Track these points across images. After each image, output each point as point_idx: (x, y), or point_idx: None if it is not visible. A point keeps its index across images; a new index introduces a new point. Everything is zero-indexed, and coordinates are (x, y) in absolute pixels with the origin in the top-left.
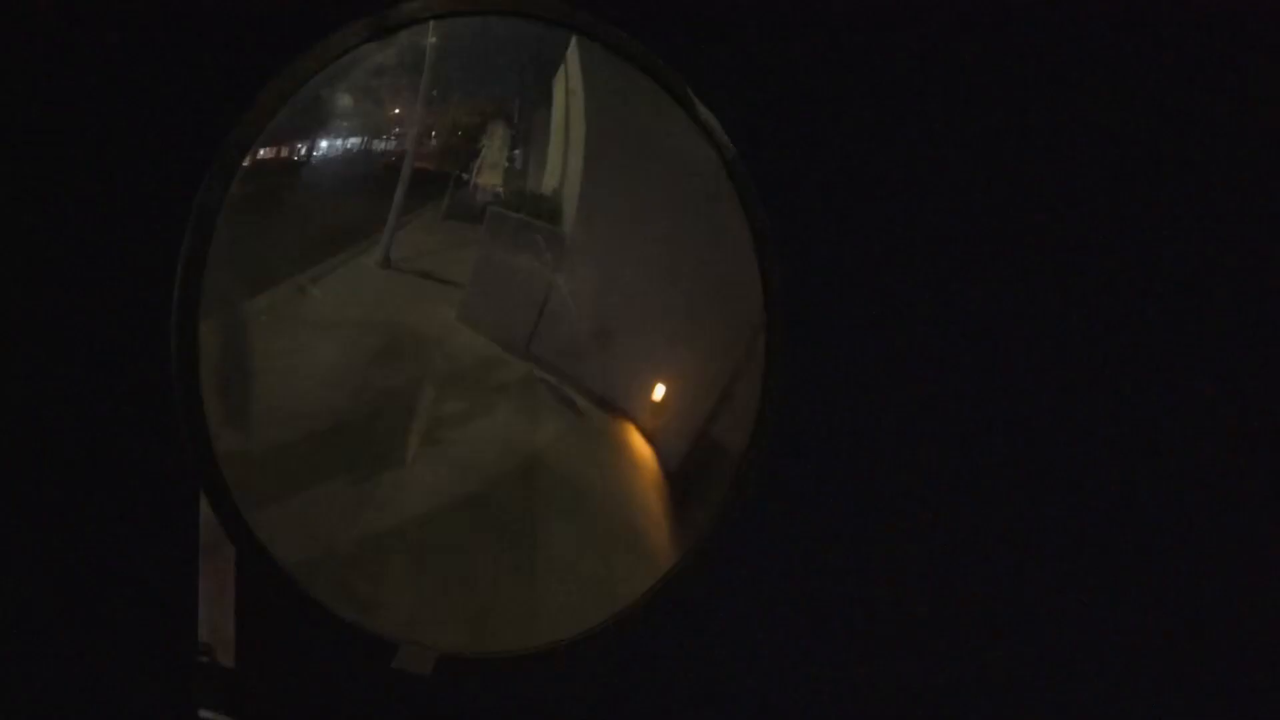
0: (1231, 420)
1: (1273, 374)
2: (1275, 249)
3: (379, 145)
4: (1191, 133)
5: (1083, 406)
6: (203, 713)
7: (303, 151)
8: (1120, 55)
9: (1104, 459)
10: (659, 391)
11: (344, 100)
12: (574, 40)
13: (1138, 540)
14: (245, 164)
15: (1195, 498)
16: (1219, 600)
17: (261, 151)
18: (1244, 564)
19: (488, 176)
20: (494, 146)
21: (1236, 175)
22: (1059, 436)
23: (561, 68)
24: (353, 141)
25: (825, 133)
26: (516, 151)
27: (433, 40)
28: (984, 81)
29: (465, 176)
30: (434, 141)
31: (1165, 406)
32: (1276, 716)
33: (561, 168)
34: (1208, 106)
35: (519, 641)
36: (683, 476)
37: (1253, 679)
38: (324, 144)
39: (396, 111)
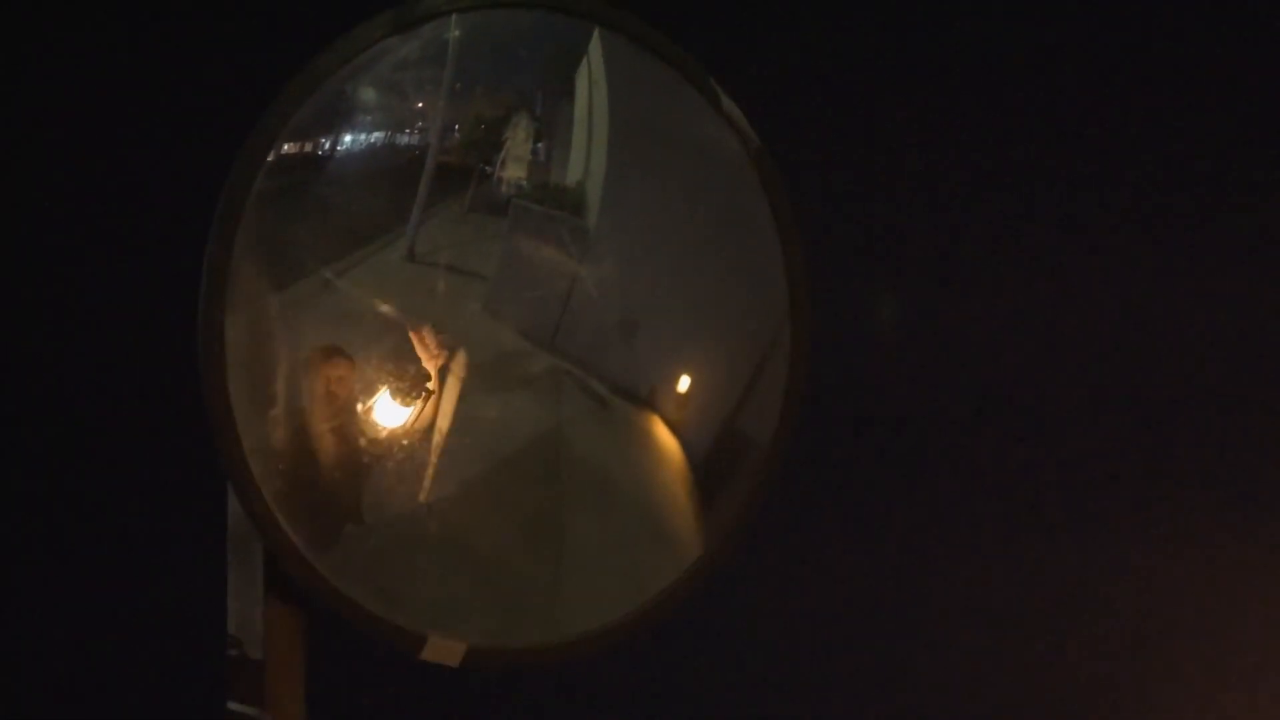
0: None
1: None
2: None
3: (402, 139)
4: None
5: (1124, 399)
6: (231, 705)
7: (327, 146)
8: (1144, 47)
9: (1144, 458)
10: (684, 383)
11: (367, 94)
12: (597, 32)
13: (1167, 547)
14: (270, 158)
15: (1204, 504)
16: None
17: (286, 146)
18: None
19: (511, 169)
20: (517, 139)
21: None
22: (1097, 425)
23: (584, 60)
24: (376, 135)
25: (850, 124)
26: (540, 144)
27: (455, 33)
28: (1011, 73)
29: (489, 170)
30: (457, 135)
31: (1178, 409)
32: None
33: (585, 160)
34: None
35: (546, 634)
36: (709, 468)
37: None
38: (348, 138)
39: (420, 105)
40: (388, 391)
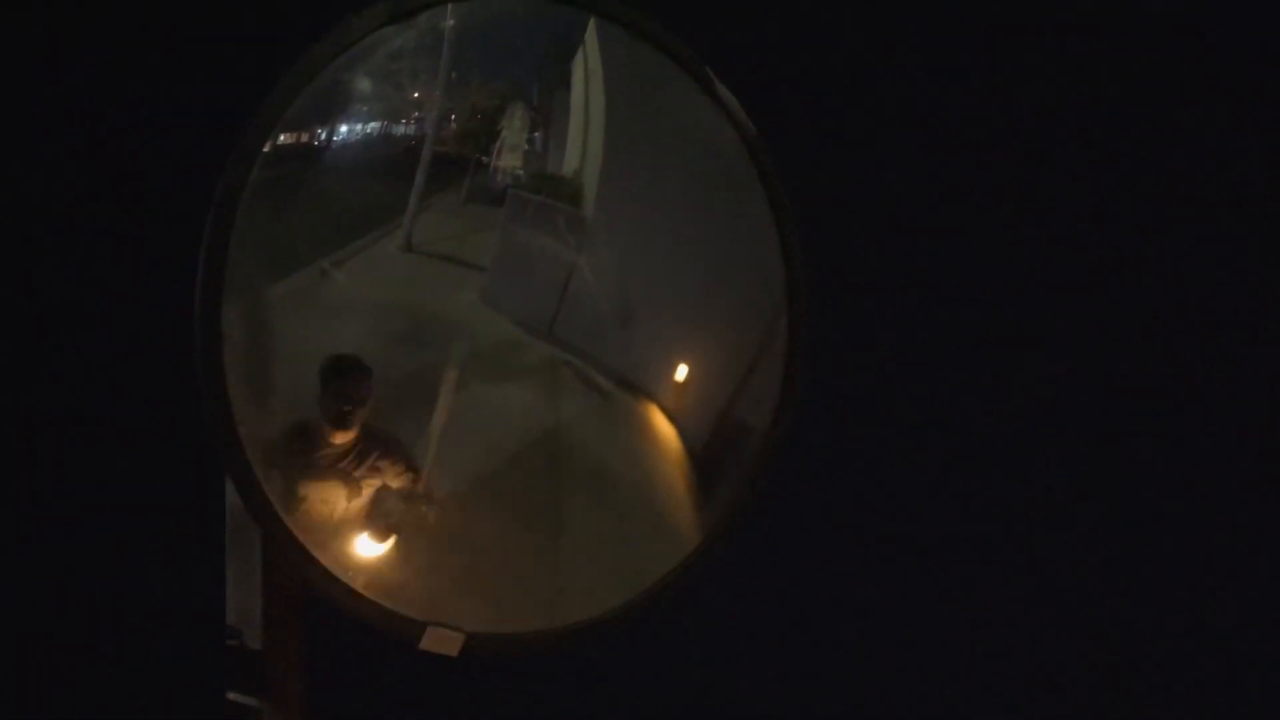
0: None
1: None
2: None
3: (399, 129)
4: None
5: (1117, 388)
6: (230, 695)
7: (323, 136)
8: (1131, 39)
9: (1141, 444)
10: (681, 372)
11: (363, 84)
12: (592, 21)
13: (1167, 539)
14: (266, 149)
15: (1215, 503)
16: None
17: (282, 136)
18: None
19: (508, 159)
20: (514, 129)
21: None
22: (1089, 411)
23: (580, 49)
24: (372, 125)
25: (846, 112)
26: (536, 134)
27: (451, 23)
28: (1011, 62)
29: (485, 159)
30: (453, 125)
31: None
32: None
33: (582, 149)
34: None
35: (544, 622)
36: (706, 457)
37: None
38: (344, 128)
39: (416, 95)
40: (366, 535)
